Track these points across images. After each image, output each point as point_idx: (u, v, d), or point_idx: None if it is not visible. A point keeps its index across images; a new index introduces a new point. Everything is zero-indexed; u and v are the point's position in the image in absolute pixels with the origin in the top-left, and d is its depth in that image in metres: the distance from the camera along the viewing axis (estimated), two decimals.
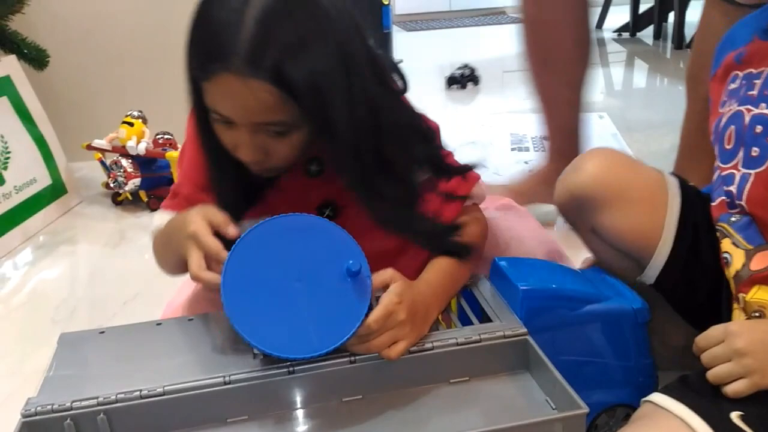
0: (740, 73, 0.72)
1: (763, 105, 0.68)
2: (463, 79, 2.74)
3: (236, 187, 0.78)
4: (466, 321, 0.74)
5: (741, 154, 0.71)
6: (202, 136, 0.76)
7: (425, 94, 2.46)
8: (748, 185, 0.70)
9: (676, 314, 0.86)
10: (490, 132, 2.15)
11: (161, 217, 0.83)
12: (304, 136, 0.72)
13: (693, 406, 0.61)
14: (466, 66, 2.78)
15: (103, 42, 1.94)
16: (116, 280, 1.36)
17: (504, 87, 2.85)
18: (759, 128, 0.68)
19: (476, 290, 0.76)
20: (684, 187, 0.81)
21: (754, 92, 0.69)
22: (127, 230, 1.59)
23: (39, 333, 1.15)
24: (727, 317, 0.74)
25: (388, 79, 0.77)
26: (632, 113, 2.34)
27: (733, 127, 0.72)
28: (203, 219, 0.69)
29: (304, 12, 0.67)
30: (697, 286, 0.79)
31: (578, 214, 0.84)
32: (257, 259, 0.62)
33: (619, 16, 3.61)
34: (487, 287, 0.76)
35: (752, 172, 0.69)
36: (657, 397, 0.64)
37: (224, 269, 0.61)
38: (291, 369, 0.62)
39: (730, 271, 0.73)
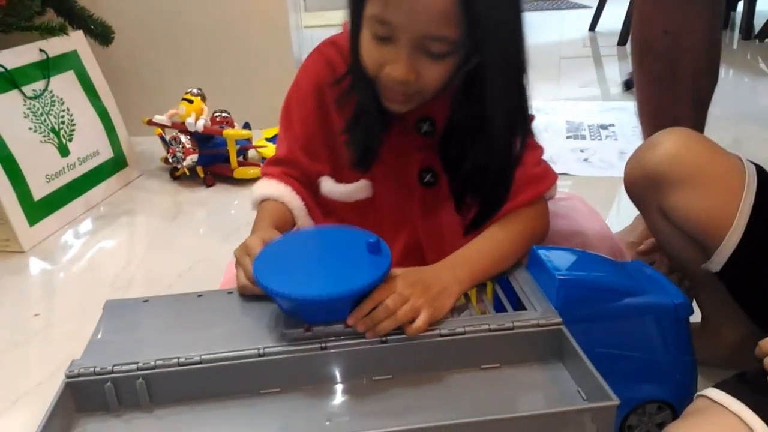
0: None
1: None
2: None
3: (370, 126, 0.80)
4: (501, 309, 0.74)
5: None
6: (355, 58, 0.77)
7: None
8: None
9: (732, 310, 0.84)
10: (545, 119, 2.12)
11: (266, 186, 0.87)
12: (454, 67, 0.74)
13: (752, 404, 0.59)
14: None
15: (166, 20, 1.99)
16: (172, 251, 1.41)
17: (561, 74, 2.80)
18: None
19: (512, 278, 0.76)
20: (762, 175, 0.79)
21: None
22: (184, 204, 1.64)
23: (97, 300, 1.19)
24: None
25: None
26: None
27: None
28: (260, 239, 0.73)
29: None
30: (763, 278, 0.77)
31: (649, 192, 0.83)
32: (291, 243, 0.69)
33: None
34: (524, 275, 0.76)
35: None
36: (713, 393, 0.62)
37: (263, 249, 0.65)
38: (323, 345, 0.63)
39: None
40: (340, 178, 0.89)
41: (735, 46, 3.08)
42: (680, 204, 0.79)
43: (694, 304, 0.90)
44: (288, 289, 0.61)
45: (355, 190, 0.88)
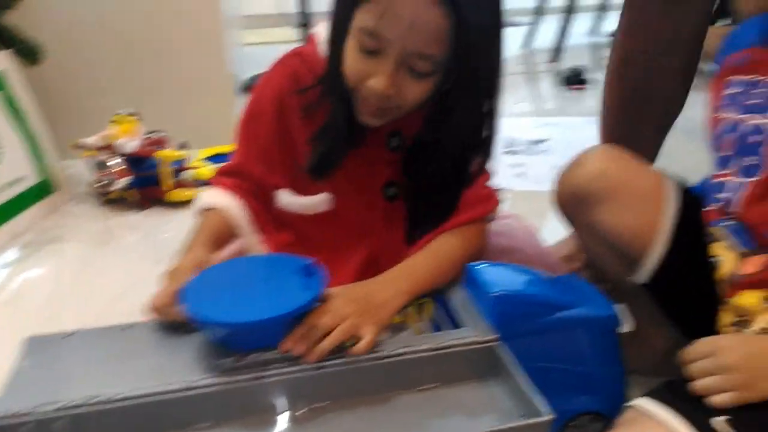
0: (739, 79, 0.73)
1: (761, 115, 0.68)
2: None
3: (338, 137, 0.81)
4: (438, 328, 0.74)
5: (738, 161, 0.71)
6: (334, 68, 0.78)
7: None
8: (744, 193, 0.71)
9: (660, 320, 0.86)
10: None
11: (212, 196, 0.86)
12: (434, 86, 0.76)
13: (678, 411, 0.61)
14: None
15: (98, 38, 1.94)
16: (103, 279, 1.35)
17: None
18: (756, 137, 0.69)
19: (449, 296, 0.77)
20: (682, 189, 0.82)
21: (753, 101, 0.69)
22: (115, 229, 1.58)
23: (24, 332, 1.15)
24: (714, 322, 0.74)
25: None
26: None
27: (731, 134, 0.72)
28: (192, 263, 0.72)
29: None
30: (687, 289, 0.80)
31: (577, 208, 0.85)
32: (221, 270, 0.68)
33: (614, 20, 3.61)
34: (461, 293, 0.77)
35: (748, 180, 0.70)
36: (642, 402, 0.64)
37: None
38: (257, 374, 0.62)
39: (720, 275, 0.73)
40: (300, 191, 0.89)
41: None
42: (606, 219, 0.81)
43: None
44: (216, 316, 0.60)
45: (316, 203, 0.89)
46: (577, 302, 0.73)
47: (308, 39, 0.88)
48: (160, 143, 1.69)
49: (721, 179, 0.74)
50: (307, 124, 0.85)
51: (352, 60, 0.75)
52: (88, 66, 1.96)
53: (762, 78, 0.69)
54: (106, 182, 1.62)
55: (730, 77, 0.75)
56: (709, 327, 0.75)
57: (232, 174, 0.88)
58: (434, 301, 0.77)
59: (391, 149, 0.86)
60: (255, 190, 0.88)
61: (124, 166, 1.62)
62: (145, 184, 1.67)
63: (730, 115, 0.73)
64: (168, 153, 1.63)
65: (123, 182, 1.61)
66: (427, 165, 0.83)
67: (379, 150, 0.86)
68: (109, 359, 0.67)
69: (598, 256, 0.89)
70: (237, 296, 0.64)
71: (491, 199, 0.88)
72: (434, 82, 0.75)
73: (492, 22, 0.75)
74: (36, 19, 1.85)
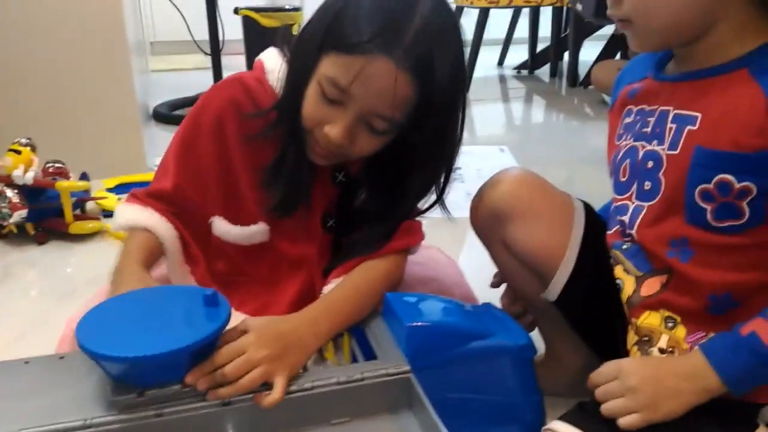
0: (635, 108, 0.77)
1: (655, 142, 0.72)
2: None
3: (301, 177, 0.83)
4: (356, 359, 0.73)
5: (635, 186, 0.75)
6: (291, 106, 0.78)
7: None
8: (640, 217, 0.74)
9: (572, 338, 0.89)
10: None
11: (135, 213, 0.83)
12: (386, 143, 0.78)
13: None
14: None
15: None
16: (1, 320, 1.27)
17: None
18: (650, 164, 0.72)
19: (368, 328, 0.76)
20: (588, 211, 0.85)
21: (647, 129, 0.73)
22: (12, 265, 1.49)
23: None
24: (623, 339, 0.77)
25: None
26: (530, 147, 2.43)
27: (628, 161, 0.76)
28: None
29: (453, 23, 0.77)
30: (595, 307, 0.83)
31: (492, 227, 0.87)
32: (120, 303, 0.65)
33: (519, 54, 3.76)
34: (379, 324, 0.76)
35: (645, 204, 0.73)
36: (556, 425, 0.66)
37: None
38: (158, 412, 0.59)
39: (623, 297, 0.76)
40: (234, 219, 0.87)
41: (563, 92, 3.35)
42: (518, 237, 0.84)
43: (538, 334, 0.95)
44: (113, 350, 0.57)
45: (253, 233, 0.87)
46: (492, 331, 0.74)
47: (254, 66, 0.88)
48: (60, 174, 1.62)
49: (620, 203, 0.78)
50: (247, 152, 0.84)
51: (311, 104, 0.76)
52: None
53: (654, 107, 0.74)
54: (1, 215, 1.53)
55: (627, 107, 0.79)
56: (618, 346, 0.78)
57: (160, 198, 0.85)
58: (352, 332, 0.76)
59: (336, 184, 0.87)
60: (185, 217, 0.85)
61: (20, 198, 1.53)
62: (44, 216, 1.59)
63: (627, 143, 0.77)
64: (68, 183, 1.56)
65: (18, 215, 1.52)
66: (366, 200, 0.86)
67: (323, 184, 0.87)
68: (9, 395, 0.63)
69: (513, 274, 0.91)
70: (136, 329, 0.61)
71: (417, 233, 0.90)
72: (388, 138, 0.78)
73: (456, 93, 0.79)
74: None
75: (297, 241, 0.88)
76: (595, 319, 0.84)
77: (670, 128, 0.70)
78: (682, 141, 0.68)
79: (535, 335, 0.95)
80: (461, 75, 0.79)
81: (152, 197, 0.85)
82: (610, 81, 2.90)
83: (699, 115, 0.67)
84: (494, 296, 0.98)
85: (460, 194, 1.84)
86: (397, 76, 0.70)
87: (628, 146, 0.77)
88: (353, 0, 0.74)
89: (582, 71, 3.25)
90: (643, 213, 0.74)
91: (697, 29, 0.68)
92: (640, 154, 0.74)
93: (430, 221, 1.66)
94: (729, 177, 0.65)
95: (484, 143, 2.47)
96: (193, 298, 0.64)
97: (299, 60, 0.78)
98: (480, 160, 2.21)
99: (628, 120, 0.78)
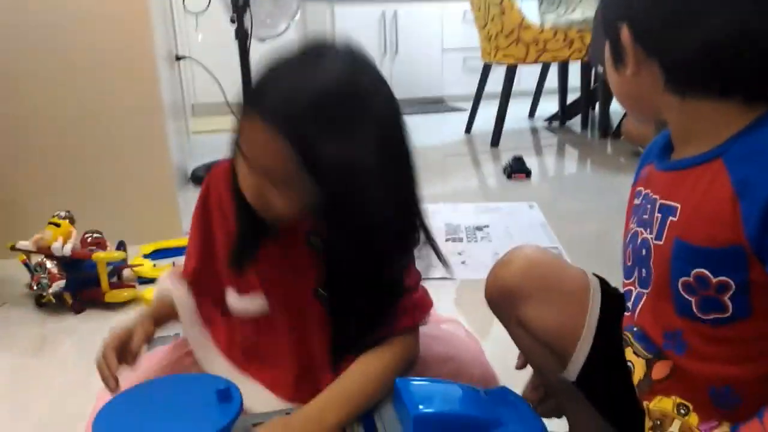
0: (643, 191, 0.75)
1: (648, 230, 0.71)
2: None
3: (249, 228, 0.83)
4: None
5: (636, 273, 0.74)
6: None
7: None
8: (640, 304, 0.73)
9: (595, 420, 0.87)
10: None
11: (167, 283, 0.92)
12: (306, 204, 0.75)
13: None
14: None
15: (32, 140, 1.93)
16: (37, 391, 1.31)
17: (445, 171, 2.92)
18: (644, 251, 0.71)
19: (377, 415, 0.76)
20: (605, 288, 0.84)
21: (646, 216, 0.72)
22: (50, 335, 1.54)
23: None
24: (643, 421, 0.75)
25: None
26: (561, 199, 2.42)
27: (631, 246, 0.75)
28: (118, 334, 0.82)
29: (358, 108, 0.72)
30: (616, 387, 0.80)
31: (506, 305, 0.86)
32: (136, 393, 0.68)
33: (550, 105, 3.78)
34: (388, 411, 0.76)
35: (644, 291, 0.72)
36: None
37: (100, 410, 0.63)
38: None
39: (634, 380, 0.75)
40: (239, 289, 0.89)
41: (596, 143, 3.34)
42: (533, 316, 0.83)
43: None
44: None
45: (254, 305, 0.88)
46: (503, 421, 0.73)
47: None
48: (97, 244, 1.68)
49: (626, 288, 0.77)
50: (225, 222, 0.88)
51: (239, 171, 0.78)
52: (21, 167, 1.94)
53: (651, 194, 0.73)
54: (40, 286, 1.59)
55: (638, 188, 0.79)
56: (639, 426, 0.76)
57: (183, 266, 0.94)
58: (362, 422, 0.76)
59: (312, 248, 0.85)
60: (207, 290, 0.92)
61: (58, 269, 1.59)
62: (82, 286, 1.64)
63: (632, 227, 0.76)
64: (105, 254, 1.62)
65: (57, 286, 1.58)
66: (344, 267, 0.81)
67: (303, 249, 0.85)
68: None
69: (531, 353, 0.90)
70: (153, 425, 0.63)
71: (423, 305, 0.88)
72: (299, 196, 0.74)
73: (368, 156, 0.73)
74: None
75: (293, 314, 0.88)
76: (616, 399, 0.82)
77: (657, 217, 0.69)
78: (665, 231, 0.67)
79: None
80: (381, 136, 0.74)
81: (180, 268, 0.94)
82: (640, 133, 2.90)
83: (678, 205, 0.66)
84: (522, 375, 0.96)
85: (487, 253, 1.86)
86: (264, 130, 0.70)
87: (632, 231, 0.76)
88: (263, 70, 0.76)
89: (614, 121, 3.24)
90: (642, 300, 0.73)
91: (641, 111, 0.72)
92: (639, 240, 0.73)
93: (455, 284, 1.67)
94: (705, 272, 0.63)
95: (516, 195, 2.46)
96: (207, 389, 0.66)
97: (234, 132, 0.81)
98: (507, 217, 2.20)
99: (636, 202, 0.78)
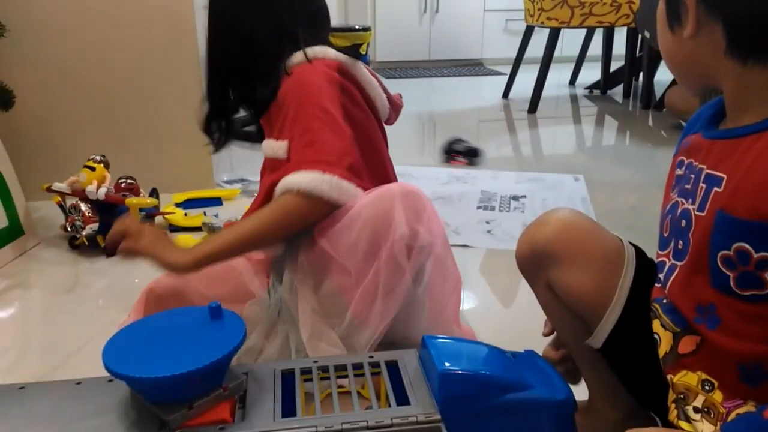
0: (686, 161, 0.73)
1: (690, 201, 0.69)
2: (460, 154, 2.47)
3: None
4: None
5: (672, 245, 0.72)
6: None
7: (402, 142, 2.49)
8: (673, 276, 0.71)
9: (615, 388, 0.86)
10: (462, 188, 2.13)
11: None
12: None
13: None
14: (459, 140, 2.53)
15: (70, 85, 1.95)
16: (67, 328, 1.34)
17: (480, 137, 2.89)
18: (684, 222, 0.69)
19: (403, 366, 0.75)
20: (640, 257, 0.82)
21: (689, 186, 0.70)
22: (82, 275, 1.58)
23: None
24: (666, 393, 0.74)
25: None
26: (598, 170, 2.38)
27: (669, 216, 0.73)
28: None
29: None
30: (641, 357, 0.79)
31: (537, 268, 0.85)
32: (143, 327, 0.70)
33: (592, 72, 3.69)
34: (414, 364, 0.75)
35: (678, 264, 0.70)
36: None
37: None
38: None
39: (660, 352, 0.73)
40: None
41: (637, 114, 3.26)
42: (565, 280, 0.82)
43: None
44: (161, 370, 0.60)
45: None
46: (530, 383, 0.72)
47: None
48: (131, 190, 1.69)
49: (660, 259, 0.75)
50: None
51: None
52: (60, 112, 1.97)
53: (696, 164, 0.70)
54: (74, 227, 1.61)
55: (680, 157, 0.76)
56: (661, 399, 0.75)
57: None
58: (388, 370, 0.76)
59: None
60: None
61: (92, 212, 1.61)
62: None
63: (673, 197, 0.74)
64: (137, 200, 1.64)
65: (90, 228, 1.60)
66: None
67: None
68: (54, 416, 0.66)
69: (557, 318, 0.89)
70: (168, 348, 0.65)
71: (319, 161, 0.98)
72: None
73: None
74: (7, 64, 1.86)
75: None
76: (640, 369, 0.81)
77: (701, 188, 0.66)
78: (708, 203, 0.65)
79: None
80: None
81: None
82: (684, 105, 2.82)
83: (724, 176, 0.63)
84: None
85: (516, 225, 1.82)
86: None
87: (672, 201, 0.74)
88: None
89: (657, 93, 3.15)
90: (675, 272, 0.71)
91: (694, 78, 0.69)
92: (679, 211, 0.71)
93: (480, 251, 1.65)
94: (747, 246, 0.61)
95: (551, 165, 2.41)
96: (201, 316, 0.69)
97: None
98: (548, 189, 2.12)
99: (679, 172, 0.75)
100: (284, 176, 0.97)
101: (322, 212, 0.97)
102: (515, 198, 2.05)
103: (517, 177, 2.24)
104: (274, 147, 1.06)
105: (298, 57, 1.09)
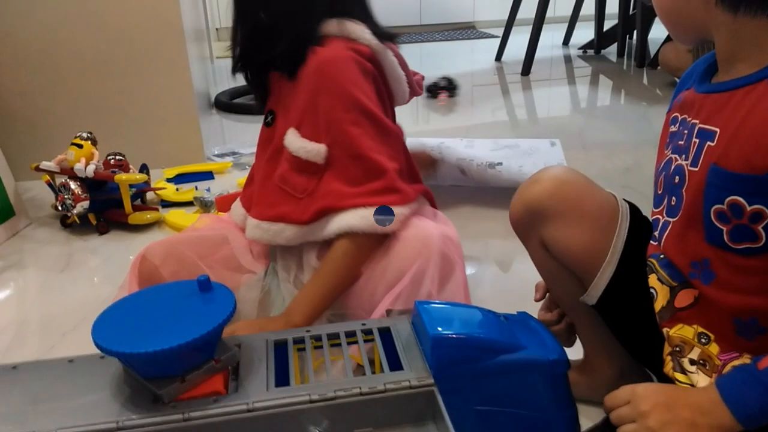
0: (679, 117, 0.72)
1: (683, 156, 0.68)
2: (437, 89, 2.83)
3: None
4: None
5: (665, 201, 0.71)
6: None
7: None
8: (666, 232, 0.71)
9: (610, 345, 0.86)
10: (438, 157, 2.11)
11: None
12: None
13: None
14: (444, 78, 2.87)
15: (55, 61, 1.92)
16: (63, 305, 1.34)
17: (474, 101, 2.86)
18: (677, 178, 0.68)
19: (395, 331, 0.75)
20: (634, 214, 0.82)
21: (682, 142, 0.69)
22: (75, 254, 1.57)
23: None
24: (661, 347, 0.74)
25: None
26: (592, 130, 2.36)
27: (663, 173, 0.72)
28: None
29: None
30: (636, 313, 0.79)
31: (530, 225, 0.85)
32: (132, 303, 0.69)
33: (585, 32, 3.64)
34: (406, 329, 0.75)
35: (671, 220, 0.70)
36: None
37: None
38: (186, 416, 0.60)
39: (656, 306, 0.73)
40: None
41: (631, 73, 3.23)
42: (558, 236, 0.81)
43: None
44: (152, 345, 0.59)
45: None
46: (523, 344, 0.71)
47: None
48: (120, 166, 1.68)
49: (654, 217, 0.74)
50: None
51: None
52: (45, 89, 1.94)
53: (689, 119, 0.69)
54: (65, 206, 1.60)
55: (674, 114, 0.75)
56: (656, 353, 0.75)
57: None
58: (380, 336, 0.75)
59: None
60: None
61: (82, 190, 1.59)
62: (105, 207, 1.65)
63: (667, 153, 0.73)
64: (127, 176, 1.62)
65: (81, 206, 1.59)
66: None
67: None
68: (47, 394, 0.65)
69: (551, 275, 0.88)
70: (158, 323, 0.64)
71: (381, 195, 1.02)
72: None
73: None
74: None
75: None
76: (635, 324, 0.81)
77: (694, 143, 0.66)
78: (702, 157, 0.64)
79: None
80: None
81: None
82: (678, 62, 2.80)
83: (717, 130, 0.63)
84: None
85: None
86: None
87: (666, 158, 0.73)
88: None
89: (652, 51, 3.12)
90: (669, 228, 0.70)
91: (686, 31, 0.68)
92: (672, 167, 0.70)
93: (485, 213, 1.64)
94: (740, 199, 0.60)
95: (545, 127, 2.39)
96: (190, 290, 0.68)
97: None
98: (524, 155, 2.05)
99: (672, 129, 0.74)
100: (328, 189, 1.01)
101: (382, 240, 1.02)
102: (491, 166, 2.00)
103: (493, 144, 2.18)
104: (308, 148, 1.01)
105: (332, 27, 1.02)
